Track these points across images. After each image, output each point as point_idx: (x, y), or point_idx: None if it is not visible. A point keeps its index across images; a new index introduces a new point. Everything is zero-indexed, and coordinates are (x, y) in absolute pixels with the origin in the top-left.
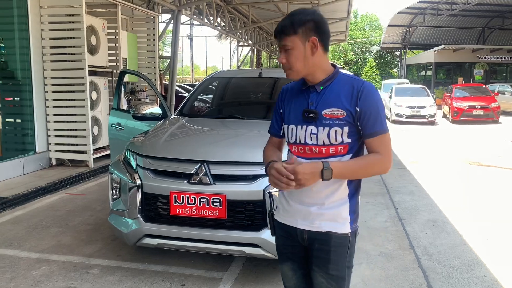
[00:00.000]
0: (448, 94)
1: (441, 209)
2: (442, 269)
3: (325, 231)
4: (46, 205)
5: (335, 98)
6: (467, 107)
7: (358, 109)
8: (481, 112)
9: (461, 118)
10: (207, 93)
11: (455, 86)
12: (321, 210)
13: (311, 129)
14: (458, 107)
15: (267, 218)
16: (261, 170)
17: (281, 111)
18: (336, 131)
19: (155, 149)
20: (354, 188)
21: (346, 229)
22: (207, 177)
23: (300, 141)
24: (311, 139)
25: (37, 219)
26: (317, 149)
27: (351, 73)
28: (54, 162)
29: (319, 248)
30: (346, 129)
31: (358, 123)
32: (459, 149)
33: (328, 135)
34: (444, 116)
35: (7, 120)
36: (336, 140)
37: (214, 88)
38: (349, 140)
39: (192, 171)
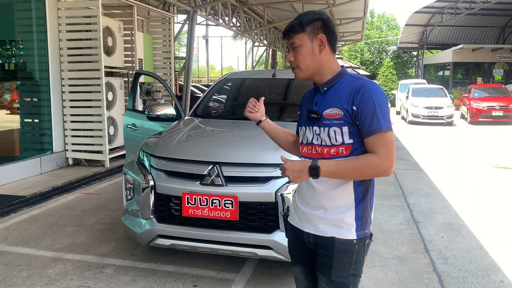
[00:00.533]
0: (467, 95)
1: (457, 212)
2: (458, 273)
3: (328, 236)
4: (62, 204)
5: (336, 98)
6: (486, 107)
7: (355, 108)
8: (501, 113)
9: (480, 119)
10: (222, 93)
11: (473, 86)
12: (325, 214)
13: (315, 130)
14: (476, 107)
15: (280, 220)
16: (274, 172)
17: (299, 113)
18: (335, 131)
19: (168, 150)
20: (362, 193)
21: (351, 235)
22: (219, 178)
23: (308, 141)
24: (317, 140)
25: (53, 218)
26: (320, 149)
27: (362, 74)
28: (70, 162)
29: (322, 253)
30: (345, 129)
31: (358, 123)
32: (477, 151)
33: (328, 135)
34: (462, 117)
35: (25, 120)
36: (336, 141)
37: (228, 89)
38: (351, 141)
39: (205, 172)
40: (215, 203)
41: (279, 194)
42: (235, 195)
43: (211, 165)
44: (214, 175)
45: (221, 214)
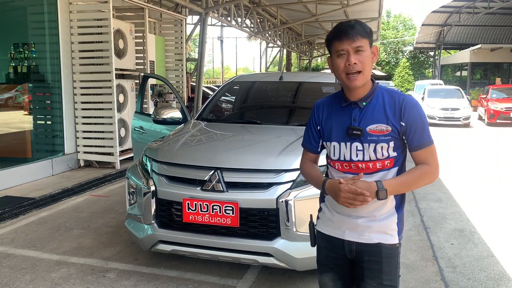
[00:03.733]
0: (484, 96)
1: (469, 218)
2: (466, 282)
3: (375, 243)
4: (71, 206)
5: (379, 114)
6: (504, 109)
7: (403, 124)
8: None
9: (498, 121)
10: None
11: (491, 87)
12: (370, 222)
13: (356, 146)
14: (494, 109)
15: (283, 227)
16: (275, 178)
17: (318, 127)
18: (382, 146)
19: (169, 155)
20: (400, 199)
21: (395, 240)
22: (220, 184)
23: (345, 158)
24: (357, 156)
25: (61, 220)
26: (363, 165)
27: (378, 75)
28: (82, 164)
29: (369, 260)
30: (391, 143)
31: (403, 137)
32: (494, 154)
33: (375, 151)
34: (480, 118)
35: (37, 122)
36: (382, 155)
37: (236, 92)
38: (395, 154)
39: (205, 178)
40: (216, 209)
41: (280, 200)
42: (235, 201)
43: (212, 171)
44: (215, 181)
45: (222, 220)
